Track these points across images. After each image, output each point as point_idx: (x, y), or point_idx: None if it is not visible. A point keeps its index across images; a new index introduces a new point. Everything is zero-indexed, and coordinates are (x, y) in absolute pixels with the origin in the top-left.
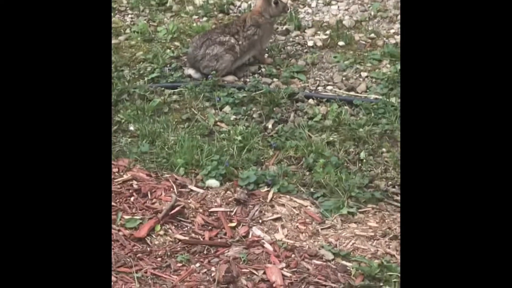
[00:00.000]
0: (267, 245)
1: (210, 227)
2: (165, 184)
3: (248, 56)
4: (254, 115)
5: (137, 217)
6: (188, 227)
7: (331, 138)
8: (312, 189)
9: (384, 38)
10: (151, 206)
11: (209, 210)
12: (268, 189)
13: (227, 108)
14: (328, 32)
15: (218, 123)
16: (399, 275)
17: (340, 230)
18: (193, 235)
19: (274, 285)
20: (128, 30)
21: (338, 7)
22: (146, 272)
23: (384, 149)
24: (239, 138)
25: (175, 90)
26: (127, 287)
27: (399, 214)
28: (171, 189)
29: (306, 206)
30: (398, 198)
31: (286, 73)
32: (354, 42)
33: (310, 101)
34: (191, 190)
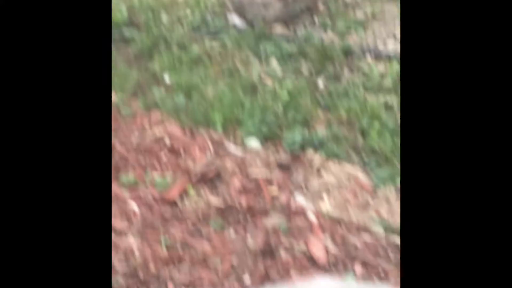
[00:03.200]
0: (310, 215)
1: (248, 192)
2: (201, 141)
3: (299, 4)
4: (304, 70)
5: (169, 176)
6: (224, 191)
7: (389, 101)
8: (364, 156)
9: None
10: (184, 165)
11: (248, 173)
12: (315, 152)
13: (273, 61)
14: None
15: (263, 77)
16: None
17: (393, 203)
18: (228, 199)
19: (316, 259)
20: None
21: None
22: (175, 238)
23: None
24: (286, 95)
25: (217, 39)
26: (154, 254)
27: None
28: (207, 148)
29: (357, 174)
30: None
31: (342, 25)
32: None
33: (368, 57)
34: (229, 150)
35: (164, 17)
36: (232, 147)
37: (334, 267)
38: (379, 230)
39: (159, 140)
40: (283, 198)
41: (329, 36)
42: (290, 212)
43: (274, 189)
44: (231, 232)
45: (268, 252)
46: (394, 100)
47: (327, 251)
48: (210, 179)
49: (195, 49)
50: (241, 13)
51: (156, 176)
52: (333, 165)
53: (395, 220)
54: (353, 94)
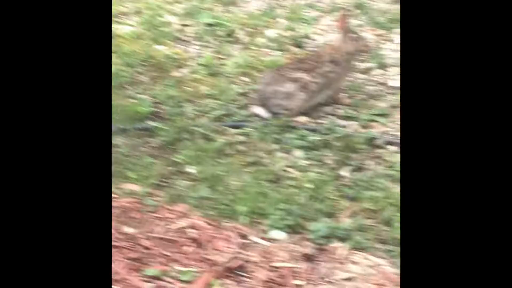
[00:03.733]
0: None
1: (273, 284)
2: (225, 233)
3: (323, 95)
4: (328, 161)
5: (193, 269)
6: (249, 283)
7: None
8: (390, 247)
9: None
10: (208, 258)
11: (273, 265)
12: (341, 244)
13: (297, 152)
14: None
15: (287, 168)
16: None
17: None
18: None
19: None
20: (191, 62)
21: None
22: None
23: None
24: (310, 186)
25: (241, 130)
26: None
27: None
28: (232, 240)
29: (383, 265)
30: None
31: (365, 115)
32: None
33: (392, 147)
34: (254, 242)
35: (188, 108)
36: (256, 239)
37: None
38: None
39: (183, 232)
40: None
41: (352, 127)
42: None
43: (300, 281)
44: None
45: None
46: None
47: None
48: (235, 272)
49: (219, 140)
50: (264, 103)
51: (180, 268)
52: (359, 257)
53: None
54: (377, 184)
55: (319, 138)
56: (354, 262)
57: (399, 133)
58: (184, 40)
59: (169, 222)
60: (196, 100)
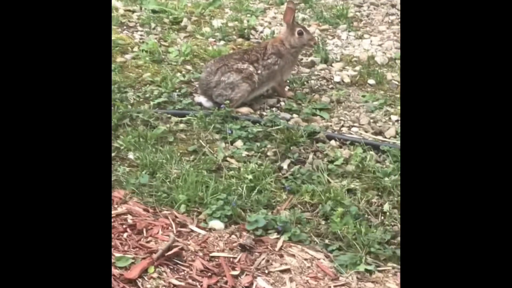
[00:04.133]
0: None
1: (209, 274)
2: (163, 221)
3: (266, 87)
4: (269, 153)
5: (129, 256)
6: (185, 272)
7: (352, 186)
8: (327, 241)
9: None
10: (145, 245)
11: (210, 255)
12: (278, 236)
13: (239, 143)
14: (357, 68)
15: (228, 159)
16: None
17: None
18: (190, 281)
19: None
20: (136, 49)
21: (371, 41)
22: None
23: None
24: (250, 177)
25: (183, 119)
26: None
27: None
28: (170, 228)
29: (319, 259)
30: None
31: (307, 109)
32: (385, 81)
33: (332, 142)
34: (192, 231)
35: (130, 94)
36: (194, 228)
37: None
38: None
39: (121, 219)
40: (245, 281)
41: (294, 120)
42: None
43: (236, 272)
44: None
45: None
46: (358, 186)
47: None
48: (172, 260)
49: (161, 127)
50: (207, 93)
51: (117, 254)
52: (296, 249)
53: None
54: (317, 178)
55: (260, 130)
56: (290, 255)
57: (340, 128)
58: (129, 26)
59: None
60: (139, 86)
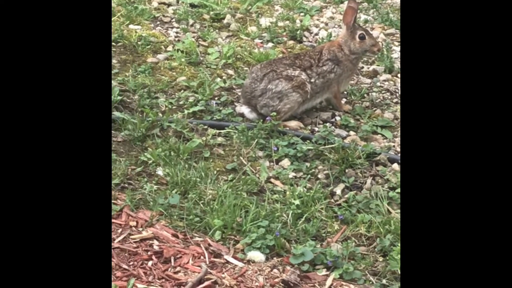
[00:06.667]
0: None
1: None
2: (194, 249)
3: (320, 98)
4: (320, 175)
5: None
6: None
7: None
8: (384, 281)
9: None
10: (173, 276)
11: None
12: (328, 273)
13: (285, 162)
14: None
15: (272, 180)
16: None
17: None
18: None
19: None
20: (170, 48)
21: None
22: None
23: None
24: (297, 202)
25: (222, 131)
26: None
27: None
28: (202, 257)
29: None
30: None
31: (367, 126)
32: None
33: (395, 165)
34: (227, 262)
35: (162, 101)
36: (230, 258)
37: None
38: None
39: (146, 244)
40: None
41: (351, 138)
42: None
43: None
44: None
45: None
46: None
47: None
48: None
49: (196, 140)
50: (251, 102)
51: (140, 286)
52: None
53: None
54: (375, 207)
55: (311, 148)
56: None
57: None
58: (163, 22)
59: (131, 231)
60: (172, 91)
